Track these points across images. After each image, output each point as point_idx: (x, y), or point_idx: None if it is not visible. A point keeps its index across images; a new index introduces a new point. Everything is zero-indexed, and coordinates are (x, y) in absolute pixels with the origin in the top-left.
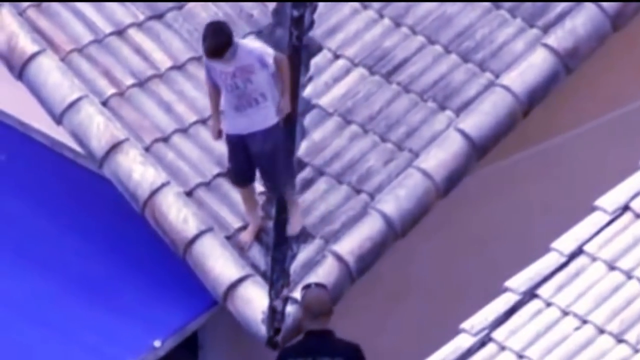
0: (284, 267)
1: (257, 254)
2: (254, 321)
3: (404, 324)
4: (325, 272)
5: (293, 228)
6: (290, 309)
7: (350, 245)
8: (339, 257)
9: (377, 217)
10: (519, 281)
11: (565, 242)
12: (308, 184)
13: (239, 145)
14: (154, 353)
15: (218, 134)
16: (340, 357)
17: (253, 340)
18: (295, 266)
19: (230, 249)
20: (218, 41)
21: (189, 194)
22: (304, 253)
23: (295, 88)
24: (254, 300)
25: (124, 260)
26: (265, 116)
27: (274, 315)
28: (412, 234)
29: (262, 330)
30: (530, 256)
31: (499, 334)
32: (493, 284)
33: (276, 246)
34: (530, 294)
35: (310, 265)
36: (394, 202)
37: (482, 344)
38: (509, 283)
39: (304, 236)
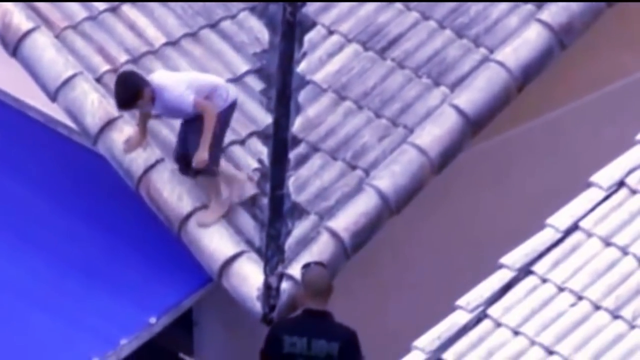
0: (278, 244)
1: (252, 230)
2: (249, 298)
3: (401, 303)
4: (320, 249)
5: (207, 215)
6: (285, 285)
7: (345, 221)
8: (333, 234)
9: (372, 193)
10: (514, 258)
11: (561, 218)
12: (303, 160)
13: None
14: (149, 330)
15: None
16: (337, 341)
17: (248, 317)
18: (290, 242)
19: (226, 225)
20: (124, 96)
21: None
22: (299, 229)
23: (289, 64)
24: (249, 277)
25: (118, 237)
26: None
27: (269, 291)
28: (407, 211)
29: (257, 306)
30: (525, 233)
31: (494, 311)
32: (488, 261)
33: (271, 223)
34: (525, 271)
35: (305, 241)
36: (389, 178)
37: (477, 320)
38: (504, 260)
39: (299, 212)
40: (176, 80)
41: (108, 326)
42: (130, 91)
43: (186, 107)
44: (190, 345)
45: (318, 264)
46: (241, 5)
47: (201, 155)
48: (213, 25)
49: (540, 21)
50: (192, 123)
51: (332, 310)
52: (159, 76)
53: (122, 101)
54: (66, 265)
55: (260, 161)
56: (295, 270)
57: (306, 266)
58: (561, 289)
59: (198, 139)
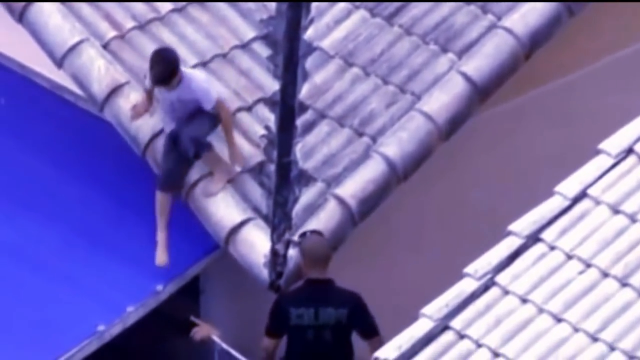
0: (286, 211)
1: (259, 197)
2: (256, 265)
3: (408, 271)
4: (327, 216)
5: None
6: (292, 252)
7: (352, 188)
8: (341, 200)
9: (380, 160)
10: (523, 225)
11: (569, 186)
12: (310, 127)
13: (173, 143)
14: (155, 297)
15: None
16: (344, 307)
17: (255, 284)
18: (297, 209)
19: (232, 191)
20: (164, 70)
21: None
22: (306, 196)
23: (296, 30)
24: (256, 244)
25: (124, 204)
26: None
27: (276, 258)
28: (414, 178)
29: (264, 273)
30: (533, 200)
31: (502, 278)
32: (497, 229)
33: (278, 190)
34: (533, 238)
35: (312, 208)
36: (396, 145)
37: (485, 288)
38: (512, 227)
39: (306, 179)
40: (202, 77)
41: (114, 293)
42: (170, 67)
43: (207, 101)
44: (197, 313)
45: (315, 232)
46: None
47: (236, 155)
48: None
49: None
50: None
51: (339, 279)
52: (187, 70)
53: (161, 77)
54: (72, 232)
55: (267, 128)
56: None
57: (303, 235)
58: (569, 257)
59: (197, 126)
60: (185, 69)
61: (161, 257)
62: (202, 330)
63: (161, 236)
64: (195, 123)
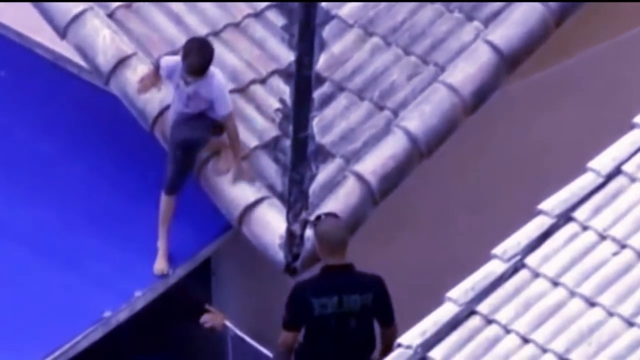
0: (302, 189)
1: (274, 174)
2: (271, 246)
3: (432, 254)
4: (346, 194)
5: (157, 264)
6: (309, 233)
7: (372, 164)
8: (360, 178)
9: (401, 135)
10: (553, 203)
11: (602, 161)
12: (327, 100)
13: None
14: (164, 281)
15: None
16: (370, 292)
17: (270, 267)
18: (314, 187)
19: (245, 167)
20: (202, 62)
21: None
22: (324, 173)
23: None
24: (271, 224)
25: (131, 183)
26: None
27: (293, 239)
28: (437, 154)
29: (280, 255)
30: (565, 177)
31: (532, 260)
32: (526, 207)
33: (294, 166)
34: (565, 217)
35: (330, 186)
36: (419, 118)
37: (514, 270)
38: (542, 205)
39: (324, 155)
40: (224, 80)
41: (121, 278)
42: (207, 61)
43: (223, 105)
44: (208, 297)
45: (331, 215)
46: None
47: (243, 171)
48: None
49: None
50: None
51: (359, 260)
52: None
53: (197, 68)
54: (75, 213)
55: (282, 101)
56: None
57: (318, 218)
58: (603, 237)
59: (206, 130)
60: (211, 67)
61: (160, 264)
62: (214, 319)
63: (162, 244)
64: (188, 125)
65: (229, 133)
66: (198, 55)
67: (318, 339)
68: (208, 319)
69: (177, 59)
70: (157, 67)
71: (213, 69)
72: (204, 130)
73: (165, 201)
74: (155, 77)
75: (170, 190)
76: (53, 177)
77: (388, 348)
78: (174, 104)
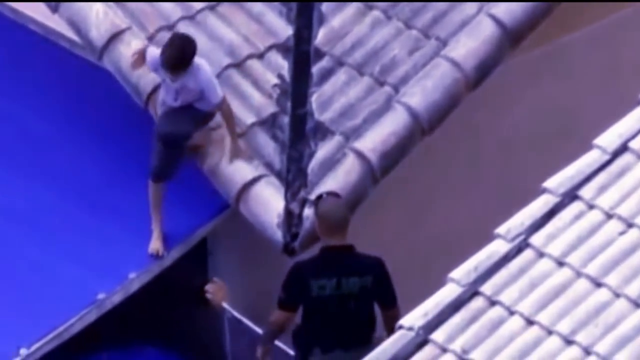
0: (301, 166)
1: (272, 152)
2: (269, 225)
3: (434, 231)
4: (345, 172)
5: (152, 244)
6: (308, 212)
7: (372, 141)
8: (360, 155)
9: (402, 111)
10: (558, 181)
11: (609, 138)
12: (326, 75)
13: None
14: (159, 263)
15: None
16: (369, 274)
17: (268, 247)
18: (313, 165)
19: (243, 146)
20: (179, 56)
21: None
22: (323, 150)
23: None
24: (269, 203)
25: (126, 162)
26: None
27: (291, 218)
28: (438, 130)
29: (278, 235)
30: (569, 155)
31: (536, 239)
32: (529, 186)
33: (292, 144)
34: (570, 196)
35: (330, 164)
36: (420, 94)
37: (518, 250)
38: (547, 184)
39: (323, 132)
40: (209, 69)
41: (115, 259)
42: (183, 57)
43: (213, 94)
44: (204, 279)
45: (332, 194)
46: None
47: (235, 150)
48: None
49: None
50: (189, 109)
51: (358, 240)
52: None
53: (171, 62)
54: (68, 192)
55: (280, 76)
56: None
57: (319, 197)
58: (609, 216)
59: (191, 123)
60: (195, 59)
61: (155, 245)
62: (216, 292)
63: (156, 226)
64: (172, 120)
65: (225, 116)
66: (176, 50)
67: (316, 321)
68: (210, 290)
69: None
70: (144, 51)
71: (198, 60)
72: (188, 123)
73: (152, 187)
74: (141, 59)
75: (156, 179)
76: (45, 155)
77: (391, 331)
78: (162, 96)
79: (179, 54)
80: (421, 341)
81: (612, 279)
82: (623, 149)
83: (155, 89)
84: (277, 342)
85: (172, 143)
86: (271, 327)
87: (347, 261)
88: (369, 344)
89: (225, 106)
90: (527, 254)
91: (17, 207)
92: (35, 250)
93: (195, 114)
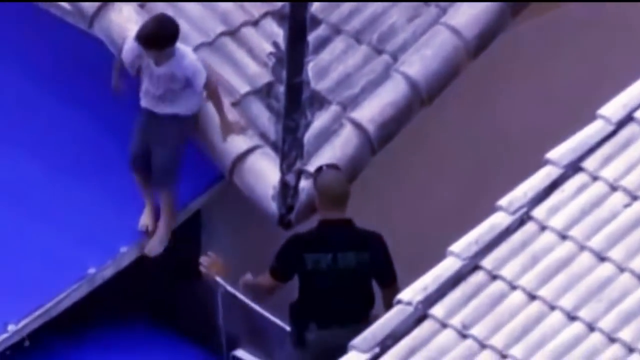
0: (296, 137)
1: (267, 122)
2: (264, 197)
3: (434, 204)
4: (342, 143)
5: (153, 244)
6: (304, 183)
7: (370, 111)
8: (358, 125)
9: (401, 80)
10: (562, 152)
11: (613, 108)
12: (323, 43)
13: (146, 122)
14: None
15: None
16: (367, 251)
17: (262, 220)
18: (309, 136)
19: (237, 115)
20: (160, 33)
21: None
22: (319, 121)
23: None
24: (264, 174)
25: (117, 133)
26: (178, 106)
27: (286, 190)
28: (440, 100)
29: (273, 207)
30: (572, 126)
31: (539, 212)
32: (531, 158)
33: (288, 113)
34: (574, 167)
35: (326, 134)
36: (420, 63)
37: (520, 222)
38: (550, 155)
39: (319, 102)
40: (194, 55)
41: (106, 233)
42: (169, 35)
43: (199, 78)
44: (197, 252)
45: (332, 166)
46: None
47: (226, 126)
48: None
49: None
50: (170, 125)
51: (355, 213)
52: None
53: (149, 37)
54: (57, 164)
55: (275, 44)
56: (315, 166)
57: (318, 170)
58: (613, 188)
59: (172, 148)
60: (179, 45)
61: (146, 220)
62: (212, 264)
63: (147, 201)
64: (166, 143)
65: (210, 94)
66: (157, 27)
67: (312, 296)
68: (205, 263)
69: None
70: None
71: (184, 48)
72: (174, 142)
73: (136, 176)
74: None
75: (136, 170)
76: (35, 125)
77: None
78: (145, 85)
79: (158, 29)
80: (420, 316)
81: (616, 253)
82: (628, 119)
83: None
84: (274, 318)
85: (167, 177)
86: (257, 285)
87: (344, 236)
88: (367, 321)
89: (212, 84)
90: (529, 227)
91: (3, 179)
92: (23, 223)
93: (179, 129)
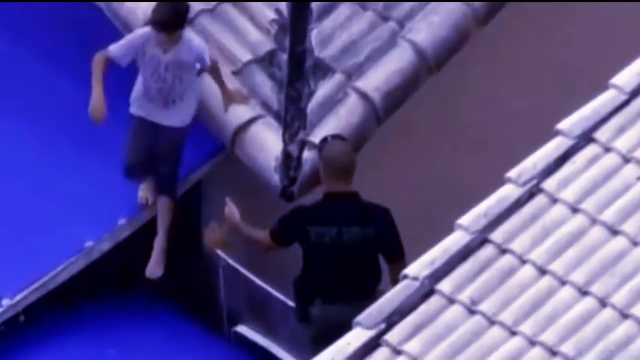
0: (300, 107)
1: (269, 91)
2: (266, 169)
3: (442, 175)
4: (347, 112)
5: (152, 268)
6: (307, 154)
7: (376, 80)
8: (363, 95)
9: (407, 48)
10: (573, 123)
11: (626, 78)
12: (327, 10)
13: (143, 130)
14: (151, 208)
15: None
16: (372, 225)
17: (265, 192)
18: (313, 105)
19: (239, 85)
20: (174, 16)
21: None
22: (323, 90)
23: None
24: (266, 145)
25: (116, 104)
26: (178, 116)
27: (289, 162)
28: (448, 68)
29: (276, 179)
30: (586, 94)
31: (550, 184)
32: (544, 127)
33: (291, 82)
34: (585, 138)
35: (331, 104)
36: (427, 30)
37: (530, 195)
38: (561, 125)
39: (323, 70)
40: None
41: (104, 205)
42: (183, 17)
43: (207, 58)
44: (198, 223)
45: (338, 137)
46: None
47: (229, 96)
48: None
49: None
50: (170, 137)
51: (361, 185)
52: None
53: (167, 20)
54: (55, 135)
55: (278, 11)
56: (319, 137)
57: (324, 141)
58: (627, 160)
59: (175, 162)
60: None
61: (145, 192)
62: (213, 238)
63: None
64: (169, 159)
65: (214, 74)
66: (170, 11)
67: (317, 271)
68: (206, 234)
69: (143, 30)
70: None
71: (188, 34)
72: (176, 156)
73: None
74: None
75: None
76: (30, 95)
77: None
78: (144, 76)
79: (175, 13)
80: (427, 292)
81: (629, 227)
82: None
83: (146, 24)
84: (277, 294)
85: (173, 188)
86: (254, 238)
87: (349, 210)
88: (373, 297)
89: (212, 59)
90: (540, 199)
91: (5, 148)
92: (19, 195)
93: (178, 143)
